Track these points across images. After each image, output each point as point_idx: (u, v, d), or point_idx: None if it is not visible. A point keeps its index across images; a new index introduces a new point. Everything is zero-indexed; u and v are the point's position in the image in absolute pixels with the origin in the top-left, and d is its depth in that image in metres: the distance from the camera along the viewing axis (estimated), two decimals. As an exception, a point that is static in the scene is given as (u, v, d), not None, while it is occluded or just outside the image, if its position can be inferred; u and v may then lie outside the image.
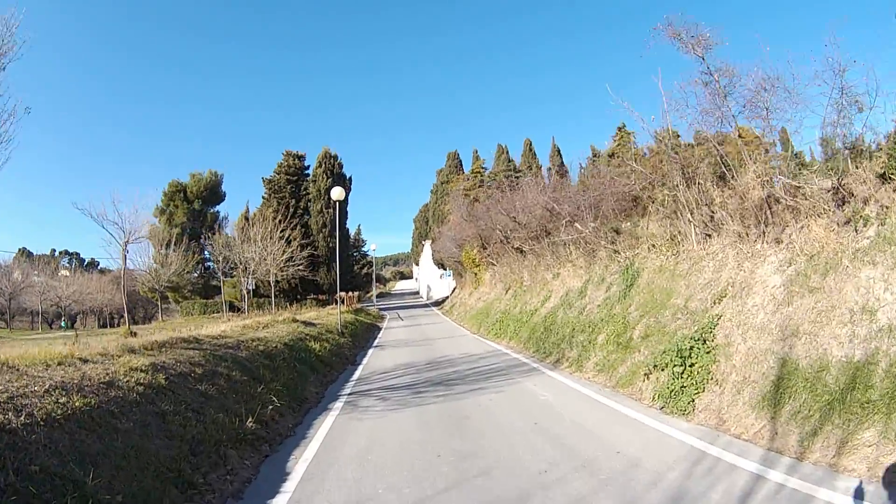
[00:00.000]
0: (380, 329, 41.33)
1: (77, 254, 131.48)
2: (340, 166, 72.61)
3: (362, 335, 33.89)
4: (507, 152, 77.34)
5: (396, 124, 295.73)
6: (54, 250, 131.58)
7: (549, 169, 61.68)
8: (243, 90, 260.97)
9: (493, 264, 41.58)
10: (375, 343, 30.86)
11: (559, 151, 76.24)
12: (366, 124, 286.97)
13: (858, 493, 6.62)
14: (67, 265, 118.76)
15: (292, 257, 49.14)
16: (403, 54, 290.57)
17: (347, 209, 72.97)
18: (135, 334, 23.38)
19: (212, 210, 75.12)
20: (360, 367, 21.09)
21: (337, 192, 29.34)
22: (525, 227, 30.74)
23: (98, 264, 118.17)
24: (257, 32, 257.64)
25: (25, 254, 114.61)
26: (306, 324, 28.01)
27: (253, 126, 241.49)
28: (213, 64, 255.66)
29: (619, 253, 20.24)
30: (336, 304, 53.28)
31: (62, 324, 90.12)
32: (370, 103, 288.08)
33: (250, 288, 54.30)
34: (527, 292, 30.24)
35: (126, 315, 43.01)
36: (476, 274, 48.45)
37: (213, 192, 75.69)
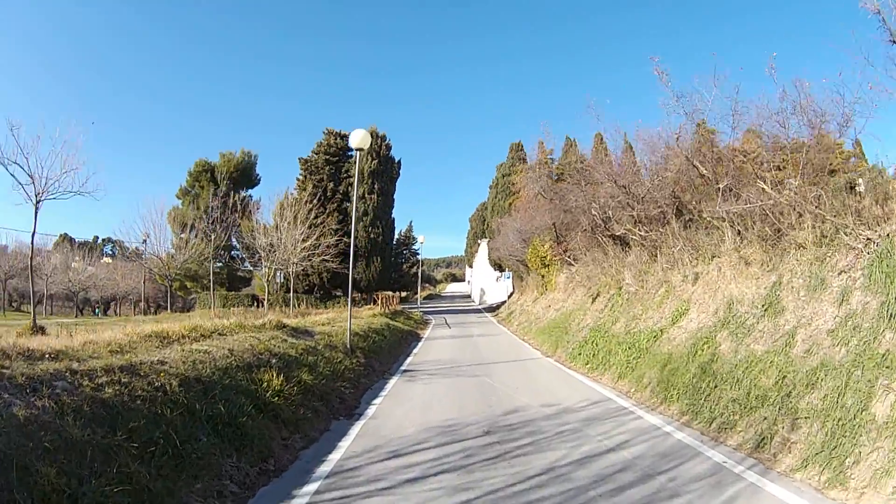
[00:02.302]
0: (419, 340, 31.00)
1: (121, 242, 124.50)
2: (388, 148, 64.93)
3: (389, 351, 23.72)
4: (576, 145, 66.68)
5: (458, 121, 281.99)
6: (97, 237, 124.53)
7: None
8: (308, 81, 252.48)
9: (572, 263, 31.31)
10: (405, 366, 20.53)
11: (631, 147, 65.14)
12: (423, 122, 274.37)
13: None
14: (110, 252, 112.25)
15: (318, 244, 38.63)
16: (470, 51, 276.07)
17: (394, 198, 66.02)
18: None
19: (244, 193, 66.19)
20: (354, 433, 11.04)
21: (359, 138, 18.93)
22: (643, 202, 19.83)
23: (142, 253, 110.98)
24: (311, 22, 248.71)
25: (67, 239, 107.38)
26: (297, 333, 18.19)
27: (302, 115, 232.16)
28: (281, 51, 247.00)
29: (857, 227, 10.66)
30: (375, 304, 43.81)
31: (95, 311, 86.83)
32: (430, 98, 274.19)
33: (278, 281, 46.20)
34: (633, 302, 19.85)
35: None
36: (544, 276, 37.85)
37: (244, 174, 68.74)
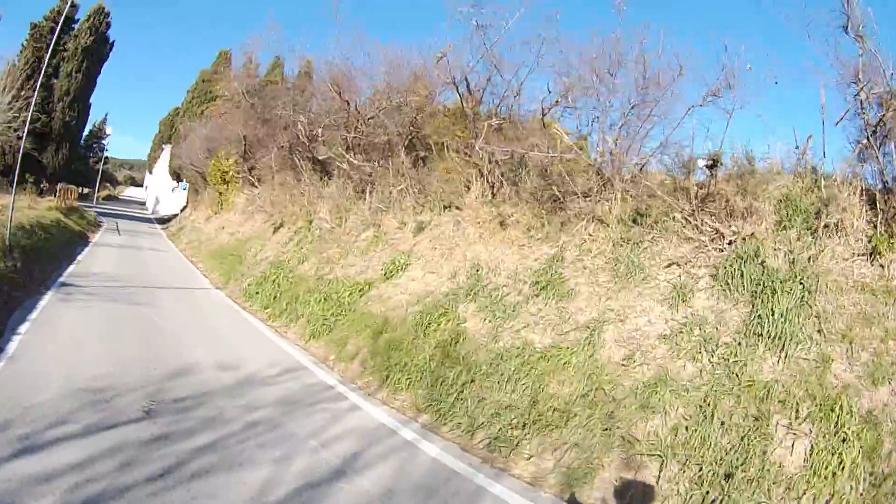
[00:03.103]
0: (87, 244, 24.53)
1: None
2: (108, 25, 54.41)
3: (54, 254, 17.91)
4: (283, 67, 60.85)
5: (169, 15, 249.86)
6: None
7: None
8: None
9: (255, 185, 26.30)
10: (65, 276, 15.10)
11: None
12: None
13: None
14: None
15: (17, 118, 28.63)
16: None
17: (97, 81, 54.80)
18: None
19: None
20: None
21: None
22: (369, 123, 15.20)
23: None
24: None
25: None
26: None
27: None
28: None
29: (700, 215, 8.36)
30: (56, 195, 37.52)
31: None
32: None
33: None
34: (327, 241, 15.46)
35: None
36: (222, 194, 31.54)
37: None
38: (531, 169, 10.65)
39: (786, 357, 6.14)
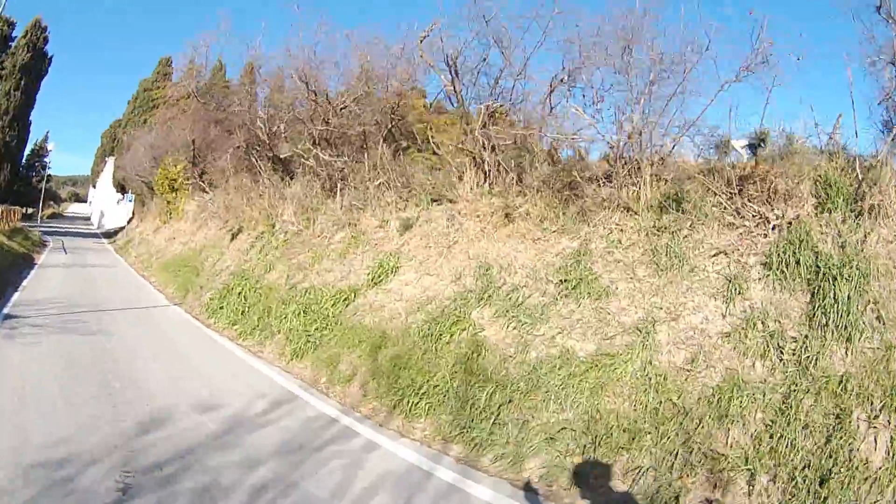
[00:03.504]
0: (32, 266, 21.95)
1: None
2: (46, 41, 51.58)
3: None
4: (225, 70, 59.07)
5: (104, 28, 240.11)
6: None
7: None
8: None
9: (206, 190, 24.22)
10: (9, 306, 12.90)
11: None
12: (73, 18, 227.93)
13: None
14: None
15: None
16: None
17: (36, 98, 51.81)
18: None
19: None
20: None
21: None
22: (341, 115, 13.71)
23: None
24: None
25: None
26: None
27: None
28: None
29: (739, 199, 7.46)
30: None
31: None
32: None
33: None
34: (294, 246, 13.75)
35: None
36: (170, 202, 29.40)
37: None
38: (538, 154, 9.40)
39: (853, 348, 5.47)
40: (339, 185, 13.34)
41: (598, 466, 5.44)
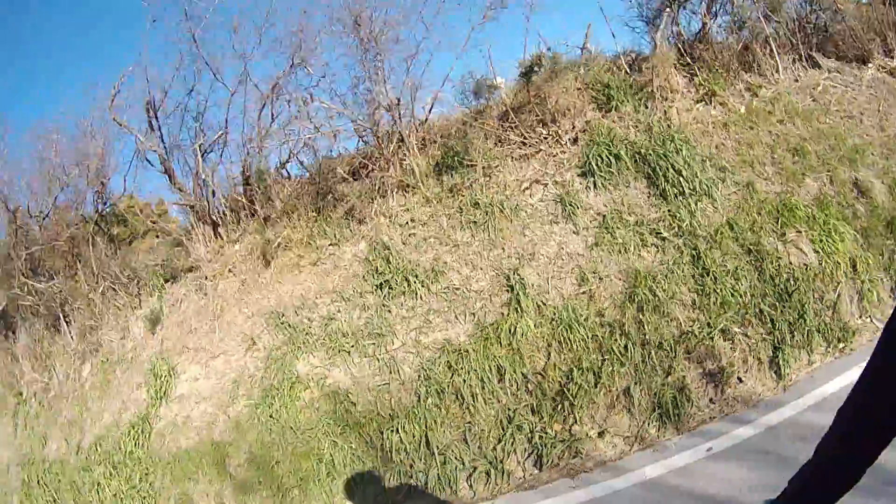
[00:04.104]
0: None
1: None
2: None
3: None
4: None
5: None
6: None
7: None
8: None
9: None
10: None
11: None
12: None
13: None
14: None
15: None
16: None
17: None
18: None
19: None
20: None
21: None
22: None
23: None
24: None
25: None
26: None
27: None
28: None
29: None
30: None
31: None
32: None
33: None
34: (60, 405, 10.07)
35: None
36: None
37: None
38: (266, 173, 7.93)
39: (718, 198, 5.98)
40: (61, 313, 10.55)
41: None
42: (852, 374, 3.75)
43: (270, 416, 6.00)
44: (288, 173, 8.34)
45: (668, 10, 7.56)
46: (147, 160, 9.18)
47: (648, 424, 4.71)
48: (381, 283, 6.11)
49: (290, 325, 6.51)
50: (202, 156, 8.29)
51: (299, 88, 8.08)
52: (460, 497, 4.61)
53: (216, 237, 8.02)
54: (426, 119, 7.24)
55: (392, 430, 5.10)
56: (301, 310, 6.58)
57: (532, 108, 6.68)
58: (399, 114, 6.93)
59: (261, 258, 7.34)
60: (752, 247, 5.58)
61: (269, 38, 8.07)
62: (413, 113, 7.12)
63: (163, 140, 8.85)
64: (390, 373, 5.59)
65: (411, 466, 4.92)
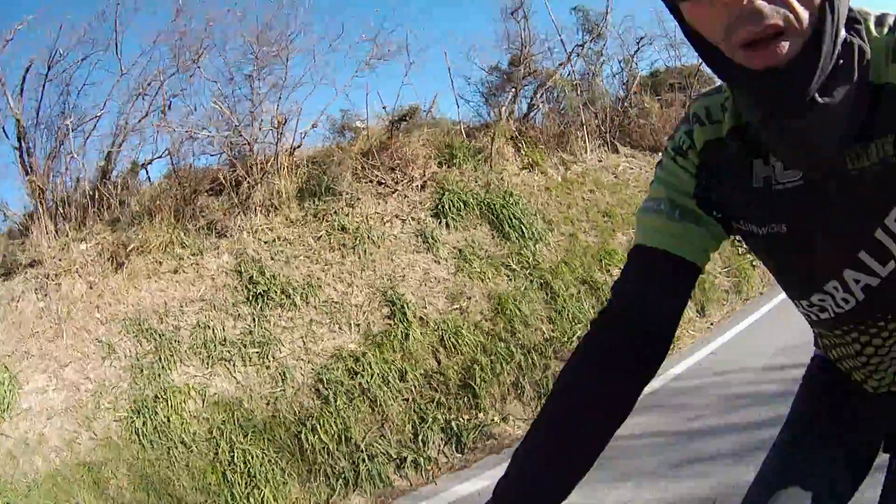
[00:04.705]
0: None
1: None
2: None
3: None
4: None
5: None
6: None
7: None
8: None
9: None
10: None
11: None
12: None
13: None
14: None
15: None
16: None
17: None
18: None
19: None
20: None
21: None
22: None
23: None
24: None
25: None
26: None
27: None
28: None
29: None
30: None
31: None
32: None
33: None
34: None
35: None
36: None
37: None
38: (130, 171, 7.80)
39: (549, 241, 7.47)
40: None
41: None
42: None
43: (154, 430, 5.67)
44: (148, 176, 8.23)
45: (512, 90, 9.48)
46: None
47: (537, 409, 5.44)
48: (256, 295, 6.30)
49: (156, 333, 6.32)
50: (68, 135, 7.81)
51: (183, 91, 8.11)
52: (397, 487, 4.85)
53: (62, 232, 7.51)
54: (300, 145, 7.63)
55: (309, 431, 5.18)
56: (166, 317, 6.43)
57: (391, 153, 7.50)
58: (275, 136, 7.33)
59: (111, 261, 7.13)
60: (585, 278, 6.92)
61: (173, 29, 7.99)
62: (285, 138, 7.45)
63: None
64: (283, 380, 5.66)
65: (336, 464, 5.04)
